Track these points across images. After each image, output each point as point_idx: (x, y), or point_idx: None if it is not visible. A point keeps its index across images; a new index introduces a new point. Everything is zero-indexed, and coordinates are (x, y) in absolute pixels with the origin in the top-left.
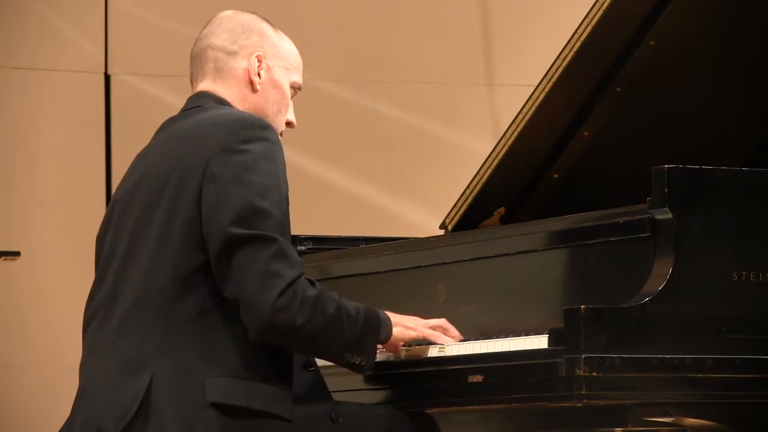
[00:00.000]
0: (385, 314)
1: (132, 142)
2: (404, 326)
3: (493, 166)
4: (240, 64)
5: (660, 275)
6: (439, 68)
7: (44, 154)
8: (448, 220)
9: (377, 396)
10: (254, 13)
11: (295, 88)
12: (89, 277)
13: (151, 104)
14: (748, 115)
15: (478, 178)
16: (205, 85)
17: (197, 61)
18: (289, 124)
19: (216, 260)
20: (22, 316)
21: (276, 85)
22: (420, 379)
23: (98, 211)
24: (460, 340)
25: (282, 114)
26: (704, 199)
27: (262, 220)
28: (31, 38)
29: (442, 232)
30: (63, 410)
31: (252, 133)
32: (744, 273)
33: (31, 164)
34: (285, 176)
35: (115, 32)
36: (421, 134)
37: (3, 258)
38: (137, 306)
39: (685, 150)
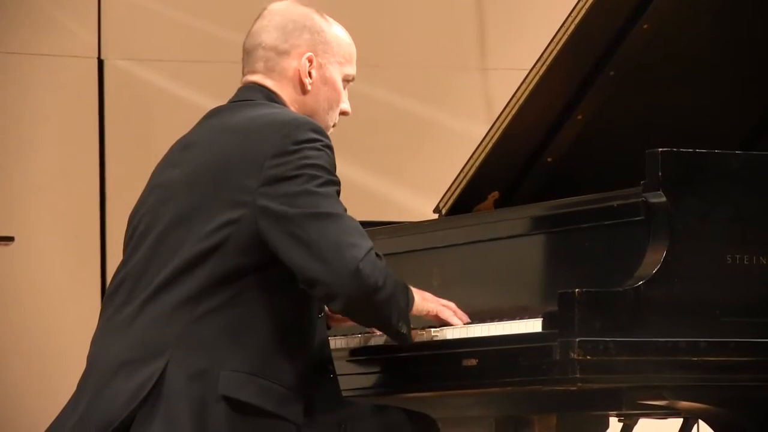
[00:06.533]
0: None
1: (125, 126)
2: (422, 297)
3: (486, 150)
4: (291, 65)
5: (654, 259)
6: (433, 52)
7: (38, 139)
8: (442, 204)
9: (372, 380)
10: (307, 6)
11: (348, 80)
12: (83, 262)
13: (144, 89)
14: (743, 98)
15: (471, 162)
16: (256, 78)
17: (249, 58)
18: (343, 113)
19: (284, 246)
20: (16, 301)
21: (327, 81)
22: (414, 363)
23: (92, 195)
24: (467, 323)
25: (333, 110)
26: (698, 182)
27: (323, 200)
28: (24, 23)
29: (436, 216)
30: (57, 395)
31: (304, 135)
32: (738, 256)
33: (24, 149)
34: (337, 176)
35: (108, 17)
36: (414, 118)
37: None
38: (164, 292)
39: (679, 133)
